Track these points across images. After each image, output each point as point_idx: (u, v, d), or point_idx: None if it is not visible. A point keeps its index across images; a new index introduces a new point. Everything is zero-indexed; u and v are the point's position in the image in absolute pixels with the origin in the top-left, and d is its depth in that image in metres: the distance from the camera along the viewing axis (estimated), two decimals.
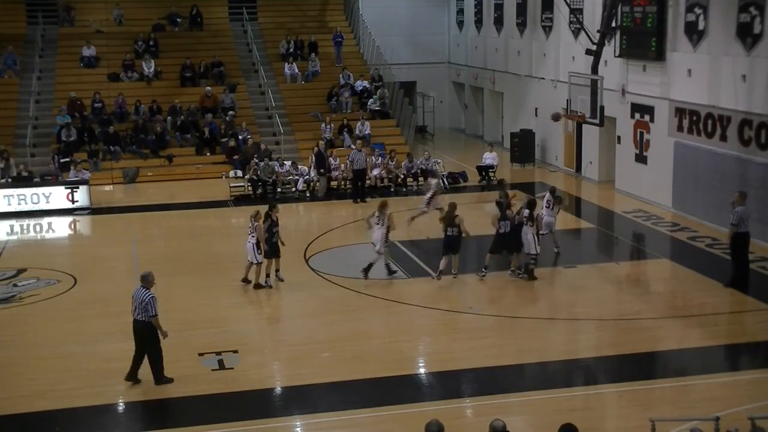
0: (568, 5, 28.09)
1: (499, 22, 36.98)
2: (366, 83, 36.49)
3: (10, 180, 27.59)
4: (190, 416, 13.08)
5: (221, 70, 35.80)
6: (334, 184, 28.90)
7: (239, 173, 29.66)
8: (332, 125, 33.38)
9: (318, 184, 28.55)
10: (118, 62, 35.96)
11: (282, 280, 19.27)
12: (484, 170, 30.15)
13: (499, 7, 36.94)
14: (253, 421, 12.90)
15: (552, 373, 14.68)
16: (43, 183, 27.71)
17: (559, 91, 29.87)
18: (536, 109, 33.55)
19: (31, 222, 25.88)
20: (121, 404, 13.65)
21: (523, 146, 32.94)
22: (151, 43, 36.77)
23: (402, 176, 29.11)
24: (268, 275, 19.08)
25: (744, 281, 18.30)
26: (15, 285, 19.62)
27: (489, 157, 30.41)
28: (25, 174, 28.13)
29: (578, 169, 30.87)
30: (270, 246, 18.87)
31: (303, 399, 13.63)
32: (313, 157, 28.67)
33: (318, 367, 14.81)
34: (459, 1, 41.41)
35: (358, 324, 16.91)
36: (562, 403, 13.33)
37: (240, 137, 31.89)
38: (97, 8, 38.81)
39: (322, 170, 28.39)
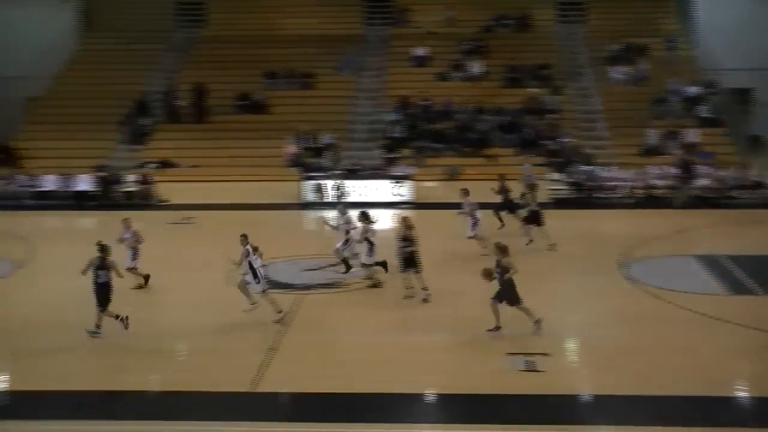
0: None
1: None
2: (696, 88, 34.91)
3: (340, 172, 29.41)
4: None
5: (548, 73, 35.76)
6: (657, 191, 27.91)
7: (559, 175, 29.52)
8: (657, 131, 32.29)
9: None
10: (445, 62, 37.02)
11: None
12: None
13: None
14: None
15: None
16: (371, 176, 29.28)
17: None
18: None
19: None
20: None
21: None
22: (478, 44, 37.50)
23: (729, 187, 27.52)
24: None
25: None
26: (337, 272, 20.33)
27: None
28: (355, 168, 29.92)
29: None
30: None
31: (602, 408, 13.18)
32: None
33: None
34: None
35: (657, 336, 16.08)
36: None
37: (561, 140, 31.72)
38: (429, 10, 40.19)
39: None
